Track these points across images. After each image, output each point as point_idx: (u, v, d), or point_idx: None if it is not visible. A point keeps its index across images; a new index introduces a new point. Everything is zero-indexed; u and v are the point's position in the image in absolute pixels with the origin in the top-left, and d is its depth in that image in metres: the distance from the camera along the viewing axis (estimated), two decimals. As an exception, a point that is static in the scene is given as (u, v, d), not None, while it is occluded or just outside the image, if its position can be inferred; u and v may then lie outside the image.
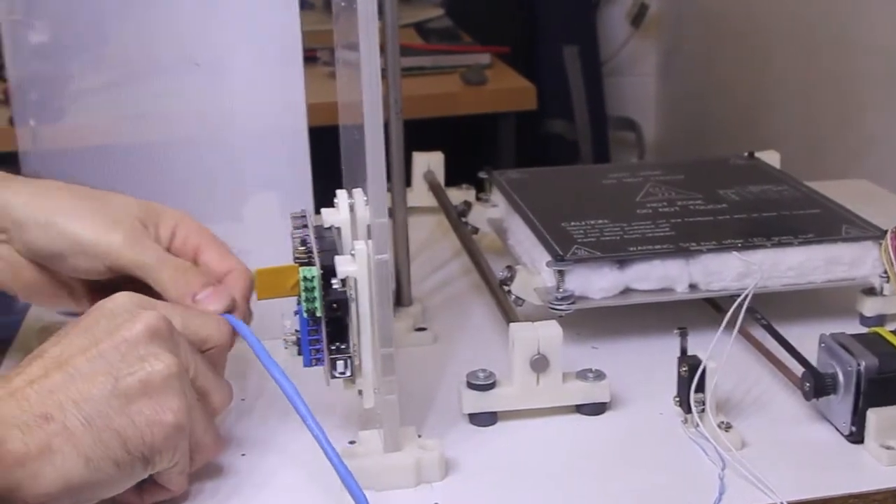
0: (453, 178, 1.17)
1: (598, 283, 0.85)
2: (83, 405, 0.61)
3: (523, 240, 0.94)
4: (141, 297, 0.67)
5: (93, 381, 0.61)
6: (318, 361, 0.69)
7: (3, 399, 0.60)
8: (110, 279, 0.75)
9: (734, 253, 0.87)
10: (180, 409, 0.63)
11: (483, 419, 0.76)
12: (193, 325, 0.69)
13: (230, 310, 0.73)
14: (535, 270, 0.89)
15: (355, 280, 0.67)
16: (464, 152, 1.30)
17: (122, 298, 0.67)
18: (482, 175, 1.09)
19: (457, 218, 1.05)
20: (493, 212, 1.06)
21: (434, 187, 1.14)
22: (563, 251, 0.86)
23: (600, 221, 0.92)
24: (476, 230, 1.05)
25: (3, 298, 0.79)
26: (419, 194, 1.15)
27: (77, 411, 0.60)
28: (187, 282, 0.73)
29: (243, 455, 0.74)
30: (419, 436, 0.71)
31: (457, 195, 1.12)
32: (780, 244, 0.88)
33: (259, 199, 0.89)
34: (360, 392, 0.70)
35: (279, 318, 0.71)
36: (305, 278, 0.67)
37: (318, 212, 0.77)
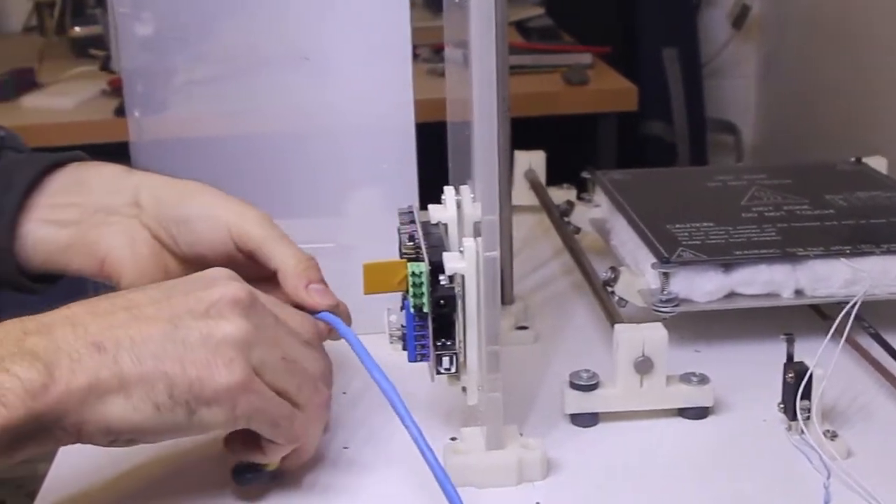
0: (552, 178, 1.17)
1: (703, 286, 0.84)
2: (139, 345, 0.60)
3: (627, 241, 0.93)
4: (235, 274, 0.67)
5: (153, 324, 0.61)
6: (424, 357, 0.69)
7: (60, 323, 0.60)
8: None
9: (842, 259, 0.85)
10: (237, 374, 0.61)
11: (585, 420, 0.76)
12: (282, 314, 0.68)
13: (334, 310, 0.73)
14: (638, 272, 0.88)
15: (463, 277, 0.67)
16: (562, 152, 1.29)
17: (215, 270, 0.67)
18: (585, 175, 1.09)
19: (559, 217, 1.05)
20: (595, 212, 1.05)
21: (535, 186, 1.14)
22: (668, 253, 0.85)
23: (705, 224, 0.91)
24: (578, 230, 1.05)
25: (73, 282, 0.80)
26: (520, 193, 1.14)
27: (131, 347, 0.60)
28: (307, 268, 0.73)
29: (346, 448, 0.74)
30: (521, 434, 0.71)
31: (557, 194, 1.12)
32: (889, 251, 0.86)
33: (363, 194, 0.89)
34: (463, 389, 0.70)
35: (384, 313, 0.71)
36: (414, 274, 0.67)
37: (421, 208, 0.77)
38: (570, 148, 1.54)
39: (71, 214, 0.76)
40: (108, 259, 0.76)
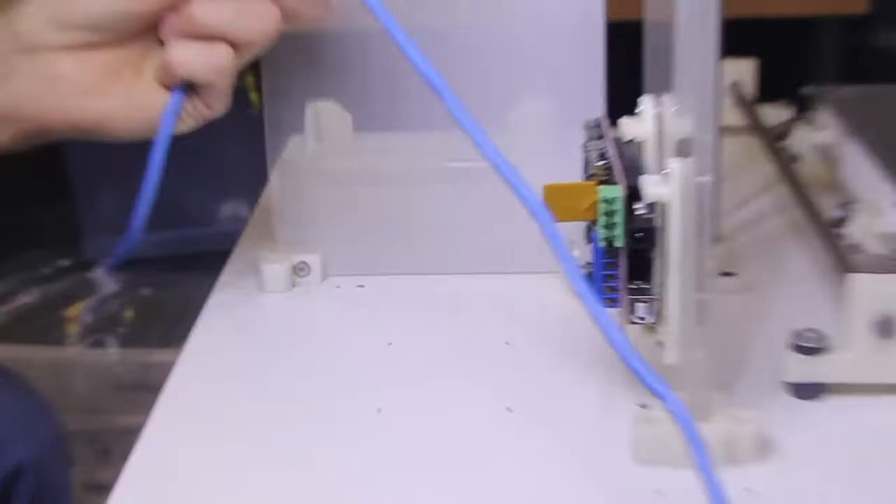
0: (763, 93, 1.15)
1: (965, 230, 0.82)
2: None
3: (864, 172, 0.91)
4: None
5: None
6: (613, 302, 0.68)
7: None
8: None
9: None
10: None
11: (808, 391, 0.74)
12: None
13: None
14: (879, 211, 0.86)
15: (665, 206, 0.65)
16: (774, 62, 1.26)
17: None
18: (807, 91, 1.06)
19: (773, 141, 1.02)
20: (820, 136, 1.03)
21: (743, 103, 1.11)
22: (918, 189, 0.83)
23: (967, 155, 0.88)
24: (797, 158, 1.02)
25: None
26: (725, 110, 1.12)
27: None
28: None
29: (509, 410, 0.74)
30: (730, 404, 0.70)
31: (770, 114, 1.10)
32: None
33: (538, 105, 0.89)
34: (660, 344, 0.68)
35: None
36: (606, 200, 0.65)
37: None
38: (784, 58, 1.51)
39: None
40: None
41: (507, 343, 0.81)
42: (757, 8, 1.82)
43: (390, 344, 0.82)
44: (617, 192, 0.66)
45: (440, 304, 0.86)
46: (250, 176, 1.01)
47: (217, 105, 0.79)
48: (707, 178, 0.64)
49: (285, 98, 0.90)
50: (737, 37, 1.15)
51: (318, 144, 0.90)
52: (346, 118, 0.90)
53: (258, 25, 0.76)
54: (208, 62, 0.76)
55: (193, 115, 0.79)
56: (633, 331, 0.69)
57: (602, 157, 0.70)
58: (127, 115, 0.79)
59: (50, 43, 0.76)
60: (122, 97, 0.78)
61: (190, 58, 0.76)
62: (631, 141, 0.72)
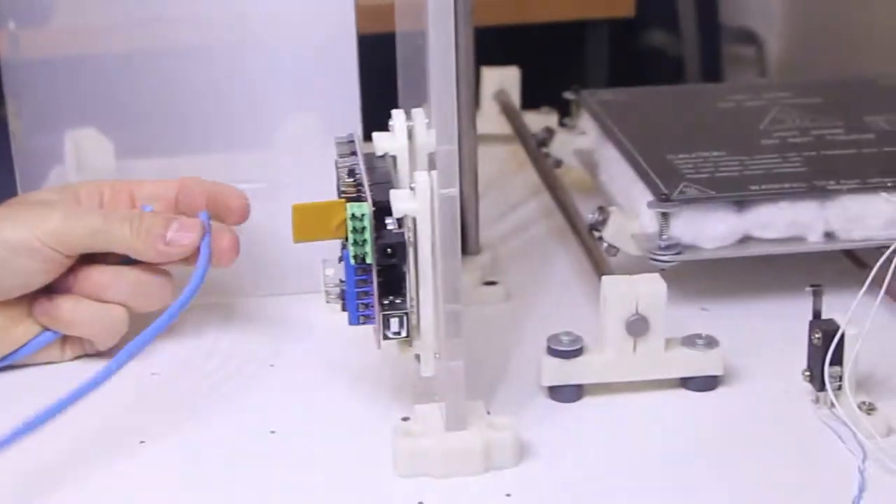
0: (528, 100, 1.18)
1: (711, 229, 0.84)
2: None
3: (618, 175, 0.93)
4: None
5: None
6: (368, 319, 0.69)
7: None
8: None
9: (882, 194, 0.85)
10: None
11: (566, 394, 0.76)
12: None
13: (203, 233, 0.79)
14: (632, 213, 0.88)
15: (415, 220, 0.66)
16: (543, 68, 1.29)
17: None
18: (568, 96, 1.08)
19: (536, 148, 1.05)
20: (581, 141, 1.05)
21: (507, 110, 1.14)
22: (668, 189, 0.85)
23: (715, 154, 0.91)
24: (559, 163, 1.05)
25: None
26: (489, 118, 1.15)
27: None
28: (149, 228, 0.78)
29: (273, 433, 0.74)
30: (488, 412, 0.71)
31: (535, 120, 1.12)
32: (940, 185, 0.85)
33: (294, 122, 0.89)
34: (417, 357, 0.70)
35: (319, 266, 0.71)
36: (354, 216, 0.66)
37: (366, 138, 0.77)
38: (550, 64, 1.53)
39: None
40: None
41: (271, 365, 0.81)
42: (520, 14, 1.83)
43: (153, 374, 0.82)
44: (365, 208, 0.67)
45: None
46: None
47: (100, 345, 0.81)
48: (453, 191, 0.65)
49: (39, 127, 0.89)
50: (503, 43, 1.18)
51: (80, 174, 0.90)
52: (107, 146, 0.90)
53: (157, 296, 0.80)
54: (104, 325, 0.79)
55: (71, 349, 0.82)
56: (389, 347, 0.69)
57: (351, 173, 0.71)
58: None
59: None
60: None
61: (86, 318, 0.79)
62: (384, 156, 0.73)
